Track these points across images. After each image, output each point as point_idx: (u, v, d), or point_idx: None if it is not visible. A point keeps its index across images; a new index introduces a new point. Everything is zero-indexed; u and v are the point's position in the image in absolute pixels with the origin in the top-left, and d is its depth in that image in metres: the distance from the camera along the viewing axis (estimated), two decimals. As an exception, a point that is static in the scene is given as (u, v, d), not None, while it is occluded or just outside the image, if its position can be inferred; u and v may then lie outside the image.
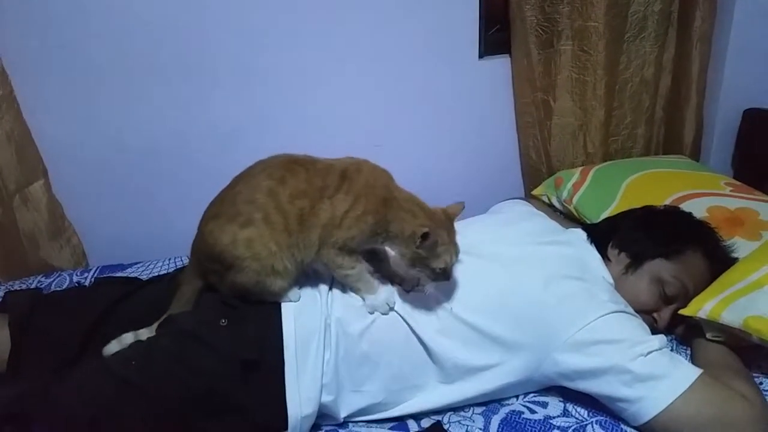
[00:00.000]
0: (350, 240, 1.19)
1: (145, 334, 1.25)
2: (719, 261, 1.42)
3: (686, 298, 1.35)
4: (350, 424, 1.26)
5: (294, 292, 1.26)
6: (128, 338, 1.24)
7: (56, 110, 1.81)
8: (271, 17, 1.84)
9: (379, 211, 1.18)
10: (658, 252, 1.39)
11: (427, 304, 1.27)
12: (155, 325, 1.26)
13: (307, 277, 1.29)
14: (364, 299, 1.26)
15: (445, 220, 1.22)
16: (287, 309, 1.24)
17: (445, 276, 1.20)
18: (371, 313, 1.25)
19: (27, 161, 1.79)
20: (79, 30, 1.73)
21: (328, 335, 1.23)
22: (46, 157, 1.84)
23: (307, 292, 1.28)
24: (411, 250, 1.17)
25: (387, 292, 1.27)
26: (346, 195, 1.19)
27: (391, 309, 1.26)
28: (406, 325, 1.26)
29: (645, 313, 1.34)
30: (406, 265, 1.21)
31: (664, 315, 1.38)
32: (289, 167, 1.22)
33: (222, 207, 1.24)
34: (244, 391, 1.18)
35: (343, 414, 1.25)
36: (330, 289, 1.31)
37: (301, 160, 1.25)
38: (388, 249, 1.26)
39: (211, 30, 1.82)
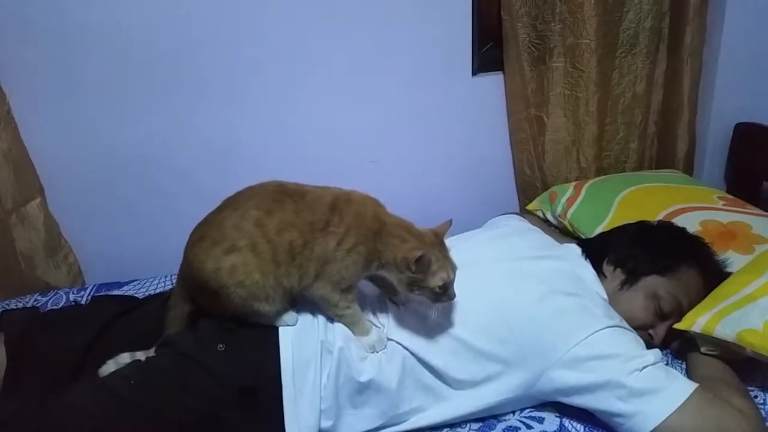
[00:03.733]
0: (345, 272, 1.18)
1: (141, 355, 1.25)
2: (713, 276, 1.43)
3: (681, 314, 1.35)
4: (348, 444, 1.26)
5: (291, 316, 1.26)
6: (125, 358, 1.24)
7: (53, 129, 1.81)
8: (265, 34, 1.86)
9: (370, 240, 1.18)
10: (653, 268, 1.40)
11: (422, 326, 1.28)
12: (153, 348, 1.26)
13: (304, 301, 1.29)
14: (359, 340, 1.25)
15: (435, 240, 1.21)
16: (285, 334, 1.24)
17: (447, 295, 1.20)
18: (370, 352, 1.25)
19: (24, 179, 1.80)
20: (75, 49, 1.74)
21: (325, 360, 1.23)
22: (43, 176, 1.84)
23: (304, 316, 1.28)
24: (406, 275, 1.17)
25: (378, 333, 1.26)
26: (336, 228, 1.18)
27: (383, 348, 1.26)
28: (401, 347, 1.26)
29: (640, 329, 1.35)
30: (405, 290, 1.20)
31: (659, 331, 1.38)
32: (277, 198, 1.21)
33: (208, 230, 1.22)
34: (242, 417, 1.18)
35: None
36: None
37: (290, 191, 1.23)
38: (385, 275, 1.25)
39: (206, 47, 1.83)
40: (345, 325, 1.26)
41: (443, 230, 1.25)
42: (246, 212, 1.19)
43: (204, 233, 1.22)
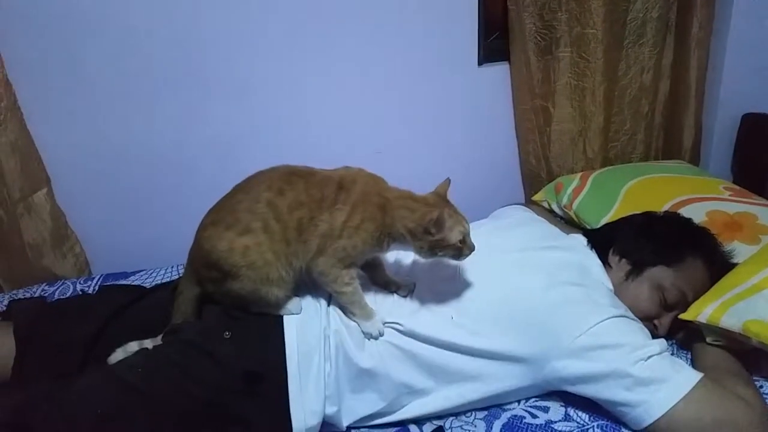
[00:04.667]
0: (352, 248, 1.20)
1: (149, 343, 1.26)
2: (719, 267, 1.42)
3: (686, 305, 1.35)
4: (352, 430, 1.27)
5: (295, 304, 1.27)
6: (133, 347, 1.26)
7: (59, 120, 1.82)
8: (270, 26, 1.86)
9: (377, 217, 1.19)
10: (658, 259, 1.40)
11: (428, 313, 1.28)
12: (160, 336, 1.27)
13: (308, 288, 1.30)
14: (359, 324, 1.26)
15: (439, 199, 1.24)
16: (290, 321, 1.25)
17: (467, 246, 1.21)
18: (368, 339, 1.26)
19: (30, 170, 1.81)
20: (81, 41, 1.74)
21: (328, 347, 1.24)
22: (50, 166, 1.85)
23: (308, 304, 1.29)
24: (426, 241, 1.18)
25: (378, 320, 1.27)
26: (343, 205, 1.20)
27: (381, 335, 1.26)
28: (402, 334, 1.26)
29: (645, 320, 1.35)
30: (428, 255, 1.21)
31: (664, 322, 1.38)
32: (288, 179, 1.23)
33: (220, 214, 1.24)
34: (248, 404, 1.19)
35: (345, 423, 1.26)
36: (330, 301, 1.32)
37: (299, 172, 1.26)
38: (400, 248, 1.26)
39: (212, 41, 1.83)
40: (345, 305, 1.26)
41: (443, 189, 1.27)
42: (258, 195, 1.20)
43: (216, 218, 1.24)
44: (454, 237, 1.18)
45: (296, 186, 1.21)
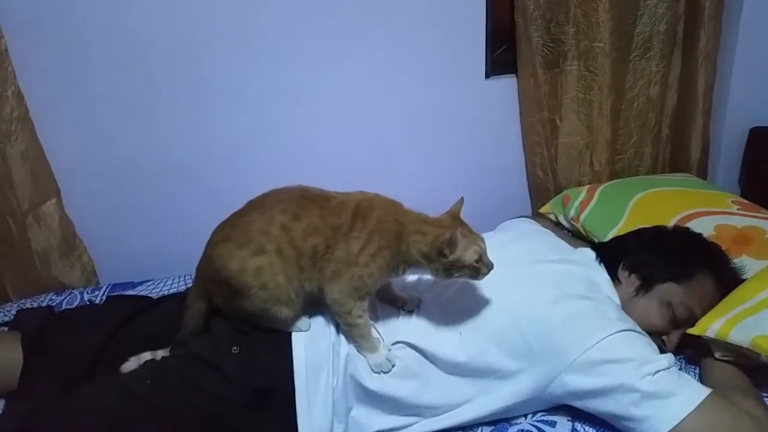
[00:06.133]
0: (369, 277, 1.18)
1: (161, 354, 1.27)
2: (729, 284, 1.41)
3: (695, 321, 1.34)
4: (358, 445, 1.27)
5: (304, 322, 1.26)
6: (146, 357, 1.26)
7: (69, 131, 1.83)
8: (280, 39, 1.87)
9: (393, 245, 1.18)
10: (668, 275, 1.39)
11: (436, 330, 1.28)
12: (169, 348, 1.28)
13: (316, 306, 1.29)
14: (366, 358, 1.25)
15: (453, 220, 1.22)
16: (298, 337, 1.25)
17: (485, 265, 1.19)
18: (377, 372, 1.24)
19: (40, 180, 1.82)
20: (92, 53, 1.76)
21: (337, 363, 1.23)
22: (59, 176, 1.86)
23: (317, 321, 1.29)
24: (441, 263, 1.16)
25: (386, 350, 1.26)
26: (359, 233, 1.18)
27: (393, 366, 1.25)
28: (415, 352, 1.26)
29: (654, 335, 1.34)
30: (444, 278, 1.20)
31: (673, 338, 1.38)
32: (302, 204, 1.21)
33: (233, 232, 1.22)
34: (255, 419, 1.18)
35: None
36: None
37: (313, 195, 1.24)
38: (417, 273, 1.26)
39: (219, 50, 1.84)
40: (353, 338, 1.24)
41: (457, 209, 1.25)
42: (273, 217, 1.19)
43: (229, 234, 1.23)
44: (470, 257, 1.16)
45: (311, 211, 1.20)
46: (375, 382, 1.22)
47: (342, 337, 1.27)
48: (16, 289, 1.87)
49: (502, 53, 2.11)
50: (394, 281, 1.36)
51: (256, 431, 1.19)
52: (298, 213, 1.19)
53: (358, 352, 1.25)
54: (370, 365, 1.24)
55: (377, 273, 1.19)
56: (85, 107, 1.82)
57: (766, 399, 1.25)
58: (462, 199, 1.27)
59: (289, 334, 1.25)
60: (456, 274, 1.18)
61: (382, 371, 1.24)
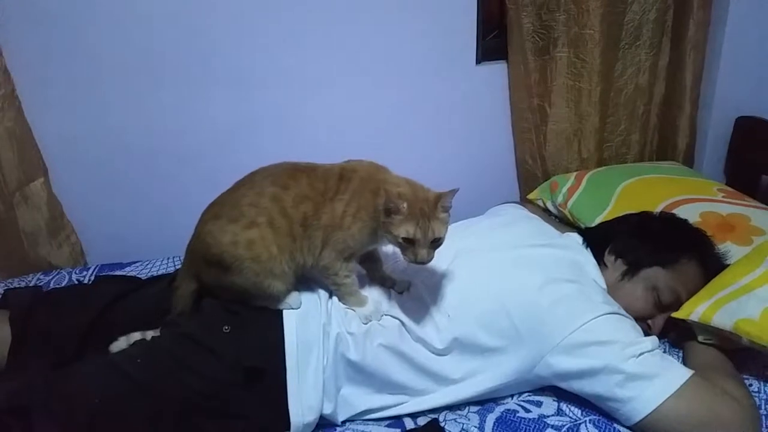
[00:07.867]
0: (351, 239, 1.21)
1: (152, 334, 1.27)
2: (713, 269, 1.43)
3: (680, 305, 1.37)
4: (347, 422, 1.28)
5: (294, 299, 1.28)
6: (136, 337, 1.26)
7: (57, 109, 1.82)
8: (271, 21, 1.86)
9: (370, 204, 1.20)
10: (654, 260, 1.41)
11: (425, 311, 1.29)
12: (159, 328, 1.28)
13: (308, 283, 1.31)
14: (356, 311, 1.29)
15: (426, 197, 1.16)
16: (289, 316, 1.26)
17: (412, 252, 1.15)
18: (365, 323, 1.27)
19: (28, 159, 1.80)
20: (81, 30, 1.74)
21: (327, 342, 1.25)
22: (47, 156, 1.85)
23: (307, 300, 1.30)
24: (382, 222, 1.16)
25: (375, 302, 1.29)
26: (343, 195, 1.21)
27: (384, 314, 1.28)
28: (403, 329, 1.28)
29: (639, 319, 1.35)
30: (385, 236, 1.18)
31: (657, 322, 1.40)
32: (292, 174, 1.24)
33: (223, 209, 1.24)
34: (246, 398, 1.19)
35: (341, 418, 1.27)
36: (330, 296, 1.33)
37: (302, 167, 1.26)
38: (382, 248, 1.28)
39: (212, 32, 1.83)
40: (341, 296, 1.29)
41: (444, 195, 1.17)
42: (263, 189, 1.21)
43: (218, 212, 1.24)
44: (398, 231, 1.13)
45: (300, 181, 1.22)
46: (365, 361, 1.24)
47: (333, 317, 1.28)
48: (3, 268, 1.86)
49: (492, 39, 2.11)
50: (384, 262, 1.37)
51: (246, 409, 1.20)
52: (287, 183, 1.21)
53: (348, 308, 1.29)
54: (360, 318, 1.27)
55: (358, 234, 1.21)
56: (74, 86, 1.80)
57: (746, 381, 1.27)
58: (456, 190, 1.19)
59: (280, 314, 1.26)
60: (387, 236, 1.16)
61: (370, 320, 1.27)
